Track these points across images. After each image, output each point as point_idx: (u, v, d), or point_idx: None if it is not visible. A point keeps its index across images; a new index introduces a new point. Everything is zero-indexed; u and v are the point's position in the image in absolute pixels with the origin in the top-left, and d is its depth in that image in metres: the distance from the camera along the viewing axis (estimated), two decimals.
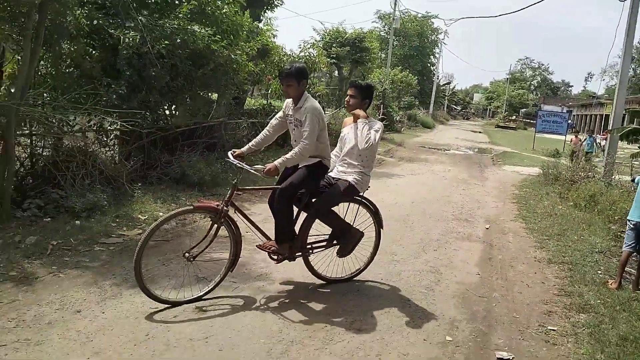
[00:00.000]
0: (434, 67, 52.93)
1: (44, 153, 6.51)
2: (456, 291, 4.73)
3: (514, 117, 59.18)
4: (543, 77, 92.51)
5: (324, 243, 4.52)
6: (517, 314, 4.29)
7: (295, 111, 4.13)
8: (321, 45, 20.87)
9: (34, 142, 6.37)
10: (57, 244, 4.92)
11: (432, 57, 52.92)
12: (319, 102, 15.31)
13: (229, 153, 4.17)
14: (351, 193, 4.39)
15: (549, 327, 4.03)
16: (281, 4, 14.37)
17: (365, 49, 23.44)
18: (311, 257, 4.52)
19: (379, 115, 22.49)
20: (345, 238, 4.48)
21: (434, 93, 48.02)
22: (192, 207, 4.04)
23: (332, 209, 4.41)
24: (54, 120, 6.28)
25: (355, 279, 4.76)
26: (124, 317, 3.68)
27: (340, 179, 4.37)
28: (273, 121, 4.42)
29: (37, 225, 5.37)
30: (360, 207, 4.62)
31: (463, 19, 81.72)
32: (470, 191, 10.60)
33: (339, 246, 4.52)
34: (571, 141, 20.51)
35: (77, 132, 6.83)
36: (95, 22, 6.83)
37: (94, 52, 6.69)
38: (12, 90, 5.57)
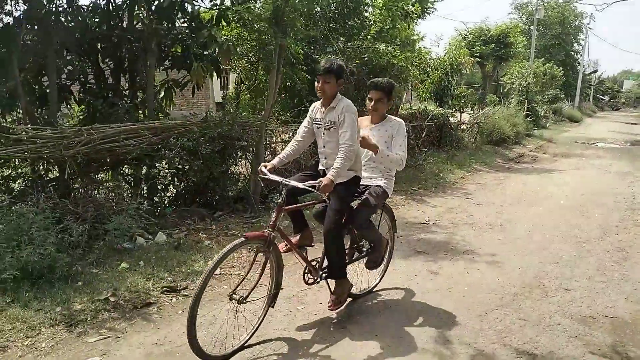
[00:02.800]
0: (579, 55, 49.63)
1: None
2: None
3: None
4: None
5: (351, 256, 4.24)
6: None
7: (328, 112, 3.73)
8: (464, 45, 21.38)
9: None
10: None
11: (575, 44, 49.65)
12: (463, 104, 15.88)
13: (262, 168, 3.74)
14: (384, 199, 4.15)
15: None
16: (434, 11, 15.23)
17: (509, 44, 23.39)
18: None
19: (524, 112, 22.30)
20: (375, 248, 4.22)
21: (579, 83, 45.18)
22: (244, 239, 3.32)
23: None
24: (276, 132, 7.96)
25: (550, 252, 5.66)
26: (408, 273, 5.01)
27: (370, 185, 4.09)
28: (301, 129, 4.01)
29: None
30: (383, 212, 4.36)
31: (616, 2, 73.66)
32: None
33: (367, 258, 4.27)
34: None
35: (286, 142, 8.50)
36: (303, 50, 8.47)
37: (307, 75, 8.28)
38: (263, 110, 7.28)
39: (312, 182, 3.55)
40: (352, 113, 3.65)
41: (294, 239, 3.96)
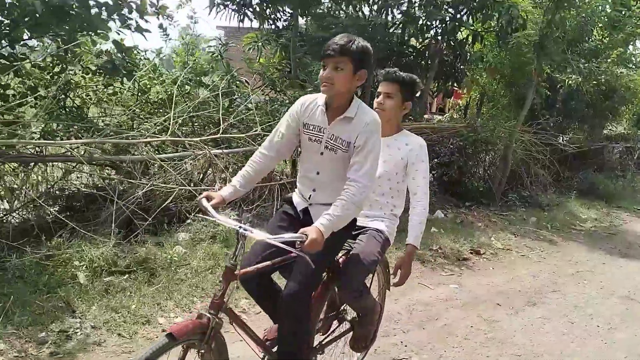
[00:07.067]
0: None
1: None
2: None
3: None
4: None
5: (335, 332, 2.86)
6: None
7: (337, 123, 2.31)
8: None
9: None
10: (552, 224, 7.45)
11: None
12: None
13: (202, 200, 2.24)
14: (385, 249, 2.79)
15: None
16: None
17: None
18: None
19: None
20: (365, 321, 2.79)
21: None
22: (167, 341, 1.92)
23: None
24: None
25: None
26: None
27: (367, 228, 2.71)
28: (275, 136, 2.44)
29: (521, 210, 7.99)
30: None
31: None
32: None
33: (352, 333, 2.85)
34: None
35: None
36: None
37: (547, 92, 9.16)
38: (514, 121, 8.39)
39: (290, 236, 2.09)
40: (378, 136, 2.29)
41: (267, 332, 2.62)
